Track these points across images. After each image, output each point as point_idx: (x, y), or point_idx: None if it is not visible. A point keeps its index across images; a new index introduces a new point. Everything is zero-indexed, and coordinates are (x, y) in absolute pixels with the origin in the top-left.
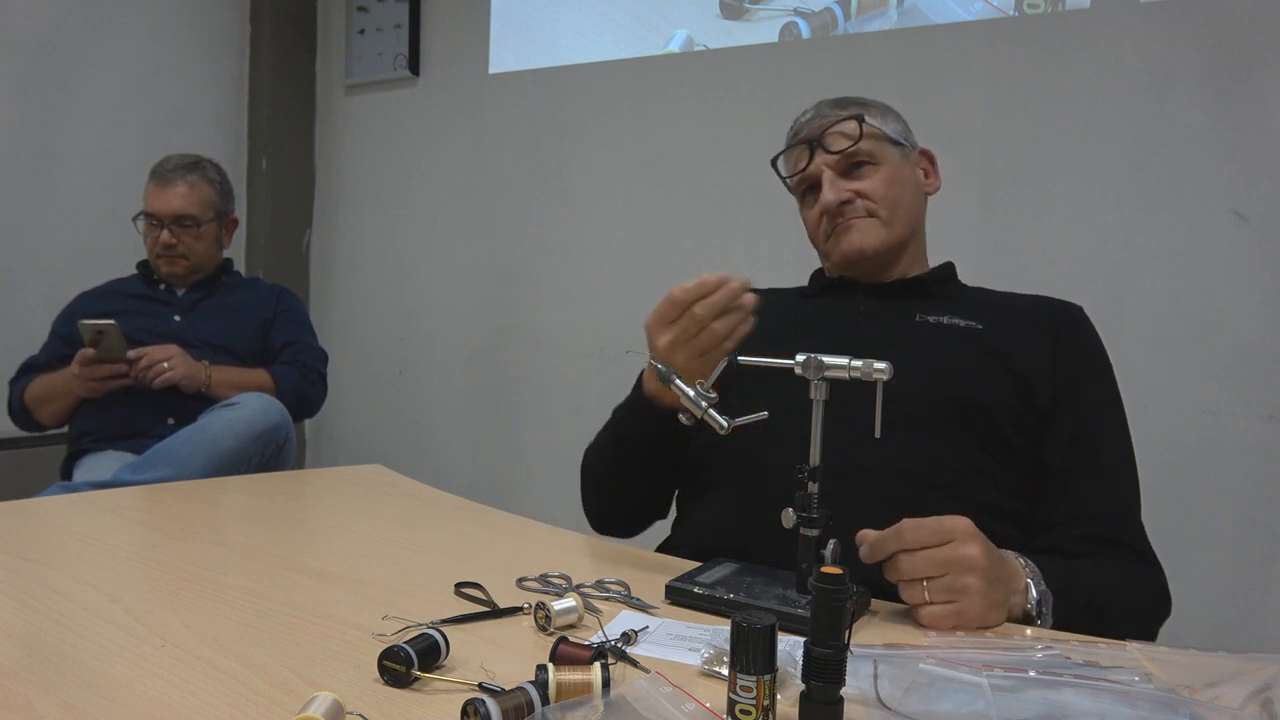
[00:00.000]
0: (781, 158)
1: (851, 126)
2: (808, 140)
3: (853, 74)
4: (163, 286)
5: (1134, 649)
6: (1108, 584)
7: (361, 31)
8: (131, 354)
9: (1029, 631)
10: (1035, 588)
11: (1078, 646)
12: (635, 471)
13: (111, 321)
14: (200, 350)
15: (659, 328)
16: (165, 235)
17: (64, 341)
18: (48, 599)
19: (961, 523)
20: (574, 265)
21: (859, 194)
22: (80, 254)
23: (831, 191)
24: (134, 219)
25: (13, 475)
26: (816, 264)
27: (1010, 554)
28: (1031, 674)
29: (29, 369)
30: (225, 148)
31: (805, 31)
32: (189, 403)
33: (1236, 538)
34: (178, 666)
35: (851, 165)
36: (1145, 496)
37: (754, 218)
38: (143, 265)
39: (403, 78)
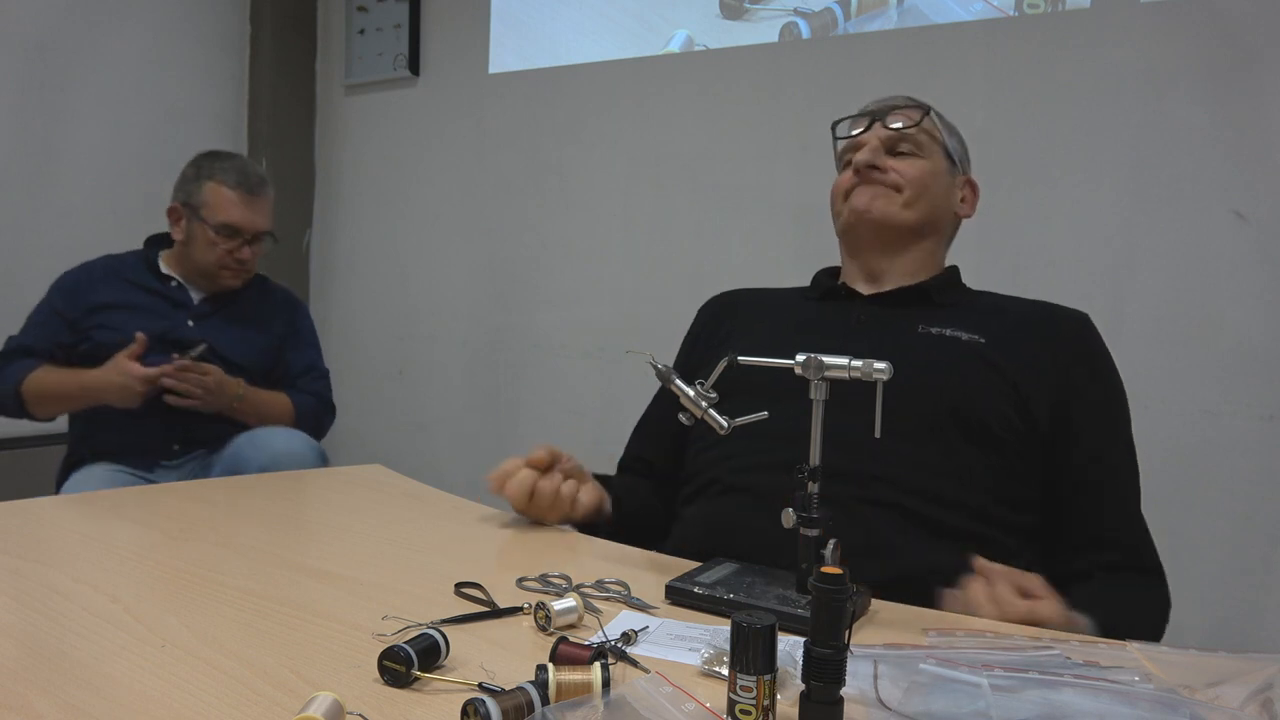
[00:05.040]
0: (841, 123)
1: (915, 113)
2: (871, 113)
3: (853, 74)
4: (174, 284)
5: (1134, 649)
6: (1130, 618)
7: (361, 31)
8: (177, 363)
9: (1029, 632)
10: None
11: (1078, 646)
12: (634, 529)
13: (205, 345)
14: (214, 365)
15: (498, 485)
16: (246, 251)
17: (69, 327)
18: (48, 599)
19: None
20: (574, 265)
21: (893, 168)
22: (80, 254)
23: (868, 153)
24: (198, 219)
25: (12, 475)
26: (816, 265)
27: (1080, 621)
28: (1031, 674)
29: (22, 352)
30: (225, 148)
31: (805, 31)
32: (198, 430)
33: (1236, 538)
34: (178, 666)
35: (898, 148)
36: (1145, 497)
37: (754, 218)
38: (150, 251)
39: (403, 78)
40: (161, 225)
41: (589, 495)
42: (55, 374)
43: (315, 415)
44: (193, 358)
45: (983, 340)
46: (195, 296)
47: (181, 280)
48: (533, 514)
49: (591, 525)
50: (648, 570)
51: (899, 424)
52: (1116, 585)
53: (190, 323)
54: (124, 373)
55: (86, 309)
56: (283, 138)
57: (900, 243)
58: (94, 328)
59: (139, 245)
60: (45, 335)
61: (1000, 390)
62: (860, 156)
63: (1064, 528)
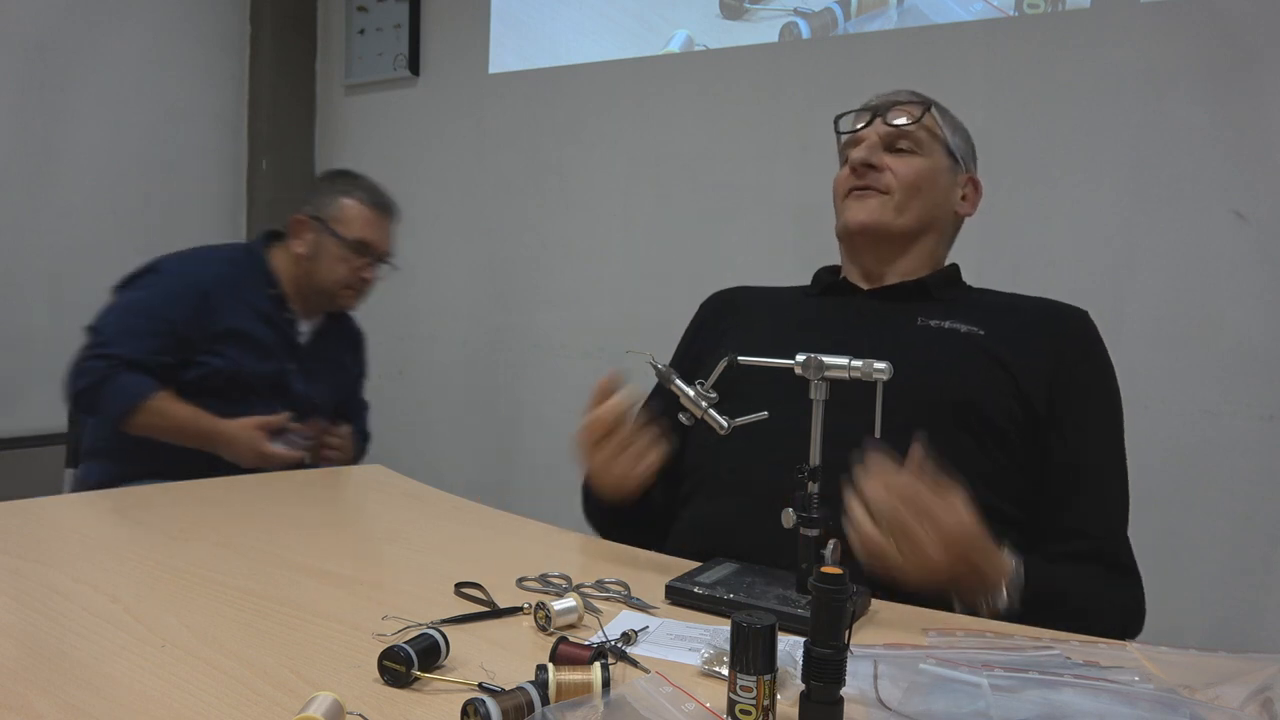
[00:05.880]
0: (844, 117)
1: (916, 110)
2: (873, 108)
3: (853, 74)
4: (288, 315)
5: (1134, 649)
6: (1084, 602)
7: (361, 31)
8: (343, 429)
9: (1029, 632)
10: (999, 599)
11: (1078, 646)
12: (636, 518)
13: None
14: (309, 414)
15: (589, 444)
16: (371, 272)
17: (181, 345)
18: (48, 599)
19: (968, 519)
20: (574, 265)
21: (888, 168)
22: (80, 254)
23: (865, 151)
24: (329, 232)
25: (13, 475)
26: (816, 264)
27: (1007, 559)
28: (1031, 674)
29: (125, 364)
30: (225, 147)
31: (805, 31)
32: (267, 470)
33: (1236, 538)
34: (178, 666)
35: (897, 145)
36: (1145, 497)
37: (754, 218)
38: (262, 251)
39: (403, 78)
40: (160, 225)
41: (658, 457)
42: (181, 410)
43: (364, 450)
44: (333, 427)
45: (982, 332)
46: (303, 327)
47: (294, 309)
48: (607, 450)
49: (616, 509)
50: (648, 570)
51: (900, 420)
52: (1073, 571)
53: (292, 365)
54: (254, 449)
55: (212, 333)
56: (283, 138)
57: (896, 247)
58: (212, 354)
59: (138, 244)
60: (152, 348)
61: (1001, 383)
62: (856, 154)
63: (1041, 515)
